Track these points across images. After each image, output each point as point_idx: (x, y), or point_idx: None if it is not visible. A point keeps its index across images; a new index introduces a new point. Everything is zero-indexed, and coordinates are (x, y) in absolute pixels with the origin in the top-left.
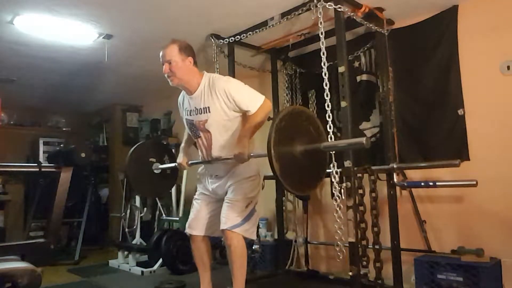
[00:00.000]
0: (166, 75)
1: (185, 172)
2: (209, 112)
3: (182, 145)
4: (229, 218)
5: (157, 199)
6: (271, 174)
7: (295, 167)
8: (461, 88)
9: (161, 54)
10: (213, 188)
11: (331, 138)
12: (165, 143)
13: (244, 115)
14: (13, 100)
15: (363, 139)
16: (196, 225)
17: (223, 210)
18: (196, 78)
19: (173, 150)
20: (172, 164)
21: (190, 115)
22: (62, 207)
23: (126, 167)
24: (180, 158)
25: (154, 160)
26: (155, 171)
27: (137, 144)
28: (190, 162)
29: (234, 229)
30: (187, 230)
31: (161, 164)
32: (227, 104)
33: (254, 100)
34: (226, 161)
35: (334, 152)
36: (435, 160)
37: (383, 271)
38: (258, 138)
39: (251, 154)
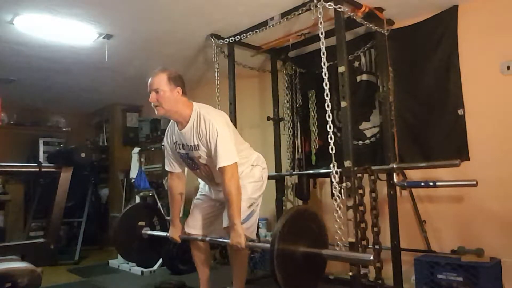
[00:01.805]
0: (152, 105)
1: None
2: (199, 149)
3: (171, 215)
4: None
5: (157, 199)
6: (271, 174)
7: (295, 271)
8: (461, 88)
9: (149, 81)
10: (215, 195)
11: (331, 138)
12: (155, 206)
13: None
14: (13, 100)
15: (371, 257)
16: (195, 224)
17: (226, 209)
18: (185, 110)
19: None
20: (163, 234)
21: (183, 149)
22: (62, 207)
23: (114, 232)
24: (171, 232)
25: (143, 223)
26: (144, 236)
27: (126, 209)
28: (181, 237)
29: None
30: (186, 229)
31: (151, 227)
32: (207, 146)
33: (224, 157)
34: None
35: (334, 151)
36: (435, 160)
37: (383, 271)
38: (259, 139)
39: (249, 243)
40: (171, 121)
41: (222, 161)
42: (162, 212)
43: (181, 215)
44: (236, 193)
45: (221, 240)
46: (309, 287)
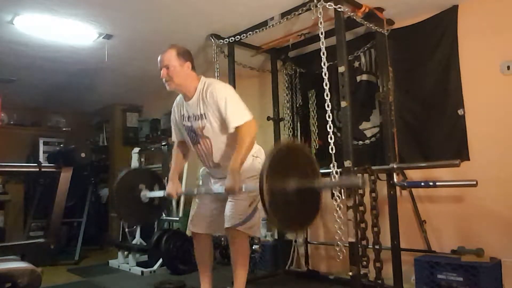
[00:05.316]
0: (163, 80)
1: (185, 172)
2: (205, 118)
3: (171, 172)
4: (232, 216)
5: None
6: None
7: (286, 204)
8: (461, 88)
9: (159, 59)
10: (214, 185)
11: (331, 138)
12: (155, 172)
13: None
14: (13, 100)
15: (359, 180)
16: (199, 223)
17: (227, 209)
18: (193, 83)
19: (165, 182)
20: (161, 193)
21: (189, 121)
22: (62, 207)
23: (113, 190)
24: (169, 188)
25: (143, 187)
26: (143, 200)
27: (129, 170)
28: (179, 192)
29: (237, 227)
30: (190, 228)
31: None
32: (215, 112)
33: (238, 115)
34: (228, 164)
35: (334, 151)
36: (435, 160)
37: (383, 271)
38: (259, 139)
39: (243, 186)
40: (179, 94)
41: (236, 120)
42: (164, 182)
43: (181, 215)
44: (248, 144)
45: (215, 191)
46: (307, 223)
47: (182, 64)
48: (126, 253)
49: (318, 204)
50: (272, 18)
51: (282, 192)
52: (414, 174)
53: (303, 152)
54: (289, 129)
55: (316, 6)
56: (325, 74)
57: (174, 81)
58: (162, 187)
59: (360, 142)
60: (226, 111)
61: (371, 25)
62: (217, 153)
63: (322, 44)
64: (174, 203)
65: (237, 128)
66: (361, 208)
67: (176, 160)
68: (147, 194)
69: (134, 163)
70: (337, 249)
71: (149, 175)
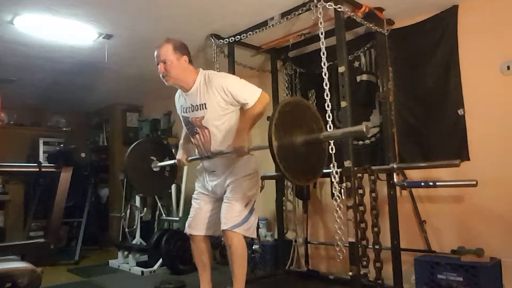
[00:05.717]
0: (161, 75)
1: (184, 172)
2: (206, 108)
3: (181, 141)
4: (229, 218)
5: (157, 199)
6: (271, 174)
7: (293, 155)
8: (461, 88)
9: (155, 53)
10: (212, 187)
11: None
12: (166, 143)
13: (242, 109)
14: (13, 100)
15: (363, 127)
16: (196, 224)
17: (222, 210)
18: (191, 77)
19: (173, 151)
20: (172, 161)
21: (186, 112)
22: (62, 207)
23: (125, 162)
24: (180, 155)
25: (154, 158)
26: (154, 169)
27: (139, 141)
28: (189, 158)
29: (234, 229)
30: (187, 230)
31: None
32: (224, 99)
33: (251, 92)
34: (224, 157)
35: (333, 151)
36: (435, 160)
37: (383, 271)
38: (259, 139)
39: (251, 147)
40: (179, 89)
41: (250, 98)
42: (173, 152)
43: (181, 215)
44: (259, 110)
45: (224, 152)
46: (316, 172)
47: (179, 58)
48: (126, 253)
49: (323, 158)
50: (272, 18)
51: (288, 143)
52: (414, 174)
53: (309, 107)
54: None
55: (316, 6)
56: (325, 74)
57: (172, 75)
58: (173, 158)
59: (360, 142)
60: (243, 94)
61: (371, 25)
62: (215, 143)
63: (322, 44)
64: (174, 203)
65: (250, 108)
66: (361, 208)
67: (185, 133)
68: (158, 164)
69: None
70: (337, 249)
71: (159, 147)
